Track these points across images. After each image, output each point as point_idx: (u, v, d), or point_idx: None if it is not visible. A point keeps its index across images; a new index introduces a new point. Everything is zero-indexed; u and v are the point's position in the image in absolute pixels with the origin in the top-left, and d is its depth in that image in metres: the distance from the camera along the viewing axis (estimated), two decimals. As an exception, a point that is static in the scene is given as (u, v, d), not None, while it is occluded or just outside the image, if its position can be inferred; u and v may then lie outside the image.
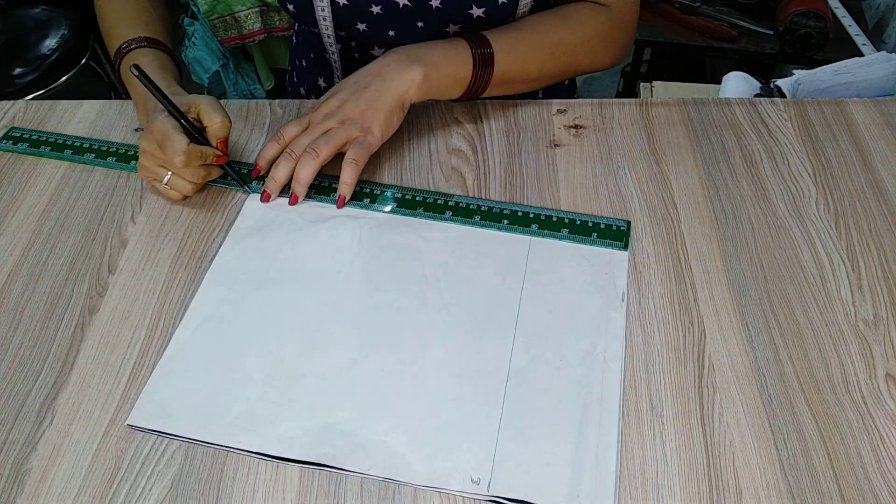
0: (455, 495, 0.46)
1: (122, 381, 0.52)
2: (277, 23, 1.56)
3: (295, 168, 0.62)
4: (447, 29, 0.73)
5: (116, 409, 0.51)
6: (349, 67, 0.80)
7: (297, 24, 0.88)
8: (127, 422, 0.50)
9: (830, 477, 0.46)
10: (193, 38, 1.60)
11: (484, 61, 0.66)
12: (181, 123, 0.61)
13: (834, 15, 1.46)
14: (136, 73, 0.58)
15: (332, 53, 0.78)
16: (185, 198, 0.64)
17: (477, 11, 0.71)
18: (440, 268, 0.59)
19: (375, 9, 0.72)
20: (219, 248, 0.61)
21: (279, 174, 0.63)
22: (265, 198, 0.64)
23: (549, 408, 0.50)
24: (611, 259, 0.59)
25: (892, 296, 0.56)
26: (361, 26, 0.73)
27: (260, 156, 0.65)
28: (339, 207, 0.63)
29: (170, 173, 0.61)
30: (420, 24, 0.73)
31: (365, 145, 0.63)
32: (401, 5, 0.72)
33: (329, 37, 0.75)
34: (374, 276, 0.58)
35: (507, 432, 0.49)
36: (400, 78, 0.63)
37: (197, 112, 0.62)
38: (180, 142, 0.59)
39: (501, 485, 0.46)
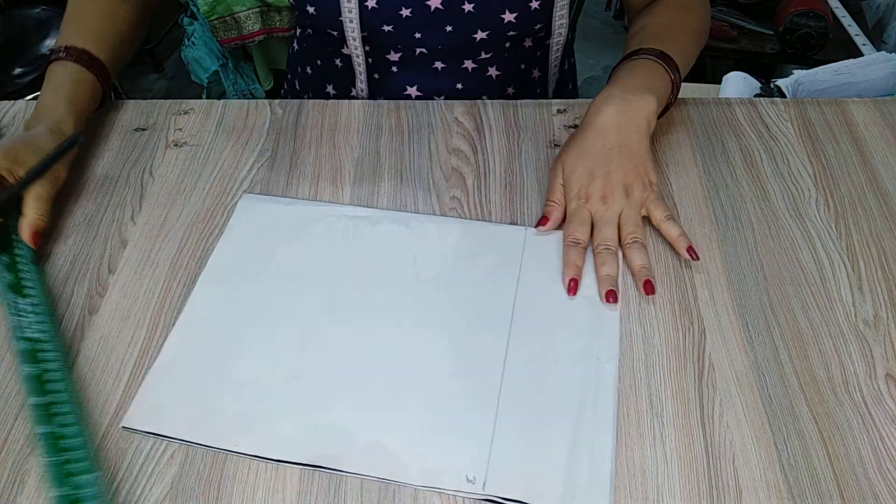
0: (455, 496, 0.46)
1: (122, 381, 0.52)
2: (277, 23, 1.56)
3: (628, 261, 0.58)
4: (475, 35, 0.73)
5: (116, 409, 0.51)
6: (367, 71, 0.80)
7: (298, 31, 0.87)
8: (122, 424, 0.50)
9: (830, 477, 0.46)
10: (193, 38, 1.60)
11: (676, 73, 0.65)
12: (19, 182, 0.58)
13: (834, 15, 1.46)
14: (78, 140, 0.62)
15: (357, 56, 0.76)
16: None
17: (509, 16, 0.72)
18: (434, 267, 0.59)
19: (405, 12, 0.71)
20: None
21: (610, 271, 0.56)
22: (613, 298, 0.55)
23: (544, 408, 0.50)
24: None
25: (892, 296, 0.56)
26: (388, 28, 0.73)
27: (569, 266, 0.57)
28: (693, 258, 0.57)
29: None
30: (449, 28, 0.73)
31: (660, 197, 0.60)
32: (432, 8, 0.71)
33: (354, 39, 0.74)
34: (368, 275, 0.58)
35: (502, 432, 0.49)
36: (641, 116, 0.60)
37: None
38: None
39: (497, 484, 0.46)
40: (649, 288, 0.56)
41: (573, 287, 0.56)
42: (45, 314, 0.55)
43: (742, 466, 0.47)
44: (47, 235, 0.62)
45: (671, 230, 0.58)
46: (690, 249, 0.57)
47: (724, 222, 0.62)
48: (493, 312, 0.55)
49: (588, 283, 0.57)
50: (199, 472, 0.48)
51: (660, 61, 0.65)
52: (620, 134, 0.60)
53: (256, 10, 1.51)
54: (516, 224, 0.62)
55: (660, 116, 0.65)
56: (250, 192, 0.66)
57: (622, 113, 0.60)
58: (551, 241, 0.60)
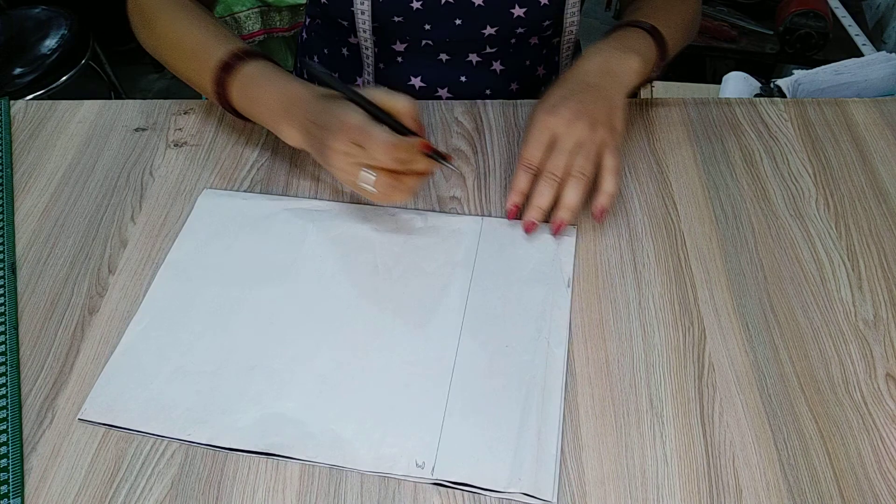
0: (410, 482, 0.46)
1: (122, 381, 0.52)
2: (277, 23, 1.56)
3: (561, 192, 0.58)
4: (483, 30, 0.74)
5: (116, 409, 0.51)
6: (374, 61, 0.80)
7: (308, 20, 0.88)
8: (78, 416, 0.50)
9: (830, 477, 0.46)
10: (193, 38, 1.59)
11: (662, 44, 0.67)
12: (372, 113, 0.54)
13: (834, 15, 1.46)
14: (321, 71, 0.55)
15: (366, 49, 0.76)
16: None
17: (518, 11, 0.72)
18: (391, 258, 0.59)
19: (416, 4, 0.72)
20: (172, 243, 0.61)
21: (543, 201, 0.58)
22: (529, 228, 0.59)
23: (494, 393, 0.51)
24: (558, 245, 0.60)
25: (892, 296, 0.56)
26: (398, 19, 0.73)
27: (513, 190, 0.59)
28: (599, 220, 0.60)
29: (375, 175, 0.53)
30: (458, 21, 0.73)
31: (619, 148, 0.60)
32: (442, 2, 0.72)
33: (365, 31, 0.74)
34: (325, 267, 0.59)
35: (452, 418, 0.49)
36: (625, 70, 0.63)
37: (374, 100, 0.55)
38: (381, 132, 0.52)
39: (445, 468, 0.47)
40: (557, 228, 0.59)
41: (514, 212, 0.60)
42: (10, 326, 0.55)
43: (742, 466, 0.47)
44: (47, 234, 0.62)
45: (610, 184, 0.59)
46: (603, 211, 0.59)
47: (724, 222, 0.62)
48: (447, 301, 0.56)
49: (542, 268, 0.58)
50: (199, 472, 0.48)
51: (649, 33, 0.67)
52: (602, 78, 0.62)
53: (256, 10, 1.51)
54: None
55: (641, 86, 0.68)
56: (211, 189, 0.66)
57: (607, 62, 0.63)
58: (506, 231, 0.61)
